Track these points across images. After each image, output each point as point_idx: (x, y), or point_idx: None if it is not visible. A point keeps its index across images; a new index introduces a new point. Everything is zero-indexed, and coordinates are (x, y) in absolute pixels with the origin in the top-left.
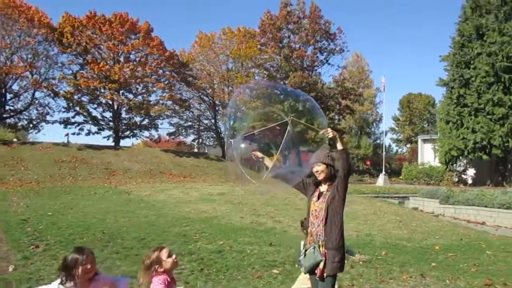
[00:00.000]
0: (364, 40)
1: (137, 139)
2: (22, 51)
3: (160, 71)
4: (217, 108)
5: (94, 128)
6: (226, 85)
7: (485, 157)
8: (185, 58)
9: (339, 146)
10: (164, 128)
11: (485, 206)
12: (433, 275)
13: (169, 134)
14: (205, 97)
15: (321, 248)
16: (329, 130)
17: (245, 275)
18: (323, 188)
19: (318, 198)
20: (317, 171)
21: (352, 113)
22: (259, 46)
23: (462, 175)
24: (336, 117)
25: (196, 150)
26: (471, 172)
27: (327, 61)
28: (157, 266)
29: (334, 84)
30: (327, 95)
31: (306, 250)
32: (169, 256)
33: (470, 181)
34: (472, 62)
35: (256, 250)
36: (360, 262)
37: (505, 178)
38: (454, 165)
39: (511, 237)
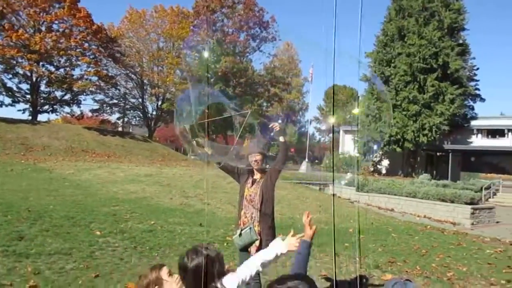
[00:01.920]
0: (297, 30)
1: (57, 114)
2: None
3: (86, 44)
4: (145, 88)
5: (7, 100)
6: (155, 64)
7: (398, 149)
8: (114, 34)
9: (282, 139)
10: (87, 104)
11: (395, 195)
12: (346, 254)
13: (93, 111)
14: (133, 75)
15: (256, 228)
16: (276, 124)
17: (177, 253)
18: (257, 176)
19: (252, 184)
20: (255, 160)
21: (280, 101)
22: (191, 27)
23: (378, 165)
24: (265, 104)
25: (120, 129)
26: (385, 163)
27: (258, 48)
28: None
29: (264, 71)
30: (257, 82)
31: (242, 230)
32: (171, 275)
33: (384, 171)
34: (393, 61)
35: (186, 230)
36: None
37: (415, 169)
38: (371, 155)
39: (414, 222)
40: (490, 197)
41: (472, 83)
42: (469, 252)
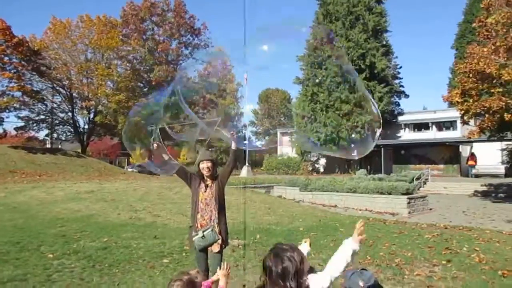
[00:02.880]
0: (228, 36)
1: None
2: None
3: (6, 58)
4: (75, 101)
5: None
6: (85, 76)
7: (334, 148)
8: (37, 46)
9: (233, 146)
10: (11, 122)
11: (337, 191)
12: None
13: (17, 129)
14: (61, 89)
15: (216, 229)
16: (233, 132)
17: (137, 266)
18: (208, 181)
19: (206, 188)
20: (207, 167)
21: (216, 107)
22: (121, 37)
23: (315, 165)
24: (201, 111)
25: (48, 145)
26: (322, 161)
27: (191, 55)
28: None
29: (199, 78)
30: (192, 89)
31: (204, 232)
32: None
33: (322, 170)
34: (324, 63)
35: (142, 244)
36: (240, 246)
37: (350, 166)
38: (308, 155)
39: (357, 216)
40: (421, 187)
41: (397, 81)
42: (411, 238)
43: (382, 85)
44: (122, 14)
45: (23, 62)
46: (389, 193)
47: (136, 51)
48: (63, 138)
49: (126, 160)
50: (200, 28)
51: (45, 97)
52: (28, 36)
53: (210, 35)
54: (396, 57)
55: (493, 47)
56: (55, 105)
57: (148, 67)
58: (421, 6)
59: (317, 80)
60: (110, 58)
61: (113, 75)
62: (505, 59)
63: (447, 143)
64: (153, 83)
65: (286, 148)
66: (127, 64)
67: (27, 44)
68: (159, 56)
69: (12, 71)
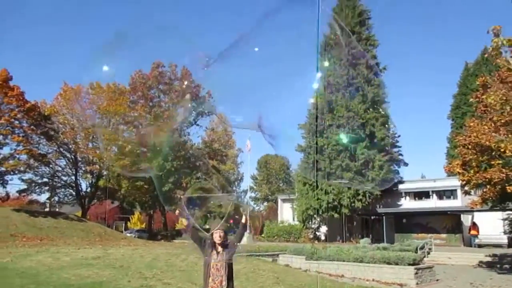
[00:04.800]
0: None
1: None
2: None
3: (16, 122)
4: (79, 164)
5: None
6: (90, 140)
7: (336, 215)
8: (47, 111)
9: (244, 220)
10: (14, 184)
11: (343, 261)
12: None
13: (20, 192)
14: (66, 152)
15: None
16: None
17: None
18: (219, 248)
19: (217, 255)
20: (219, 236)
21: (219, 173)
22: (128, 104)
23: (317, 232)
24: (203, 177)
25: (47, 209)
26: (323, 229)
27: (195, 122)
28: None
29: (203, 145)
30: (196, 155)
31: None
32: None
33: (323, 237)
34: (324, 132)
35: None
36: None
37: (352, 234)
38: (310, 222)
39: (365, 286)
40: (425, 256)
41: (396, 149)
42: None
43: (382, 153)
44: (130, 82)
45: (32, 127)
46: (396, 263)
47: (142, 117)
48: (65, 201)
49: (124, 224)
50: (205, 96)
51: (50, 160)
52: (40, 101)
53: (214, 102)
54: (395, 126)
55: (492, 125)
56: (59, 168)
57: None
58: (417, 78)
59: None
60: (117, 123)
61: (118, 140)
62: (504, 135)
63: (449, 212)
64: (158, 148)
65: (287, 215)
66: (133, 130)
67: (38, 110)
68: (164, 122)
69: (21, 135)
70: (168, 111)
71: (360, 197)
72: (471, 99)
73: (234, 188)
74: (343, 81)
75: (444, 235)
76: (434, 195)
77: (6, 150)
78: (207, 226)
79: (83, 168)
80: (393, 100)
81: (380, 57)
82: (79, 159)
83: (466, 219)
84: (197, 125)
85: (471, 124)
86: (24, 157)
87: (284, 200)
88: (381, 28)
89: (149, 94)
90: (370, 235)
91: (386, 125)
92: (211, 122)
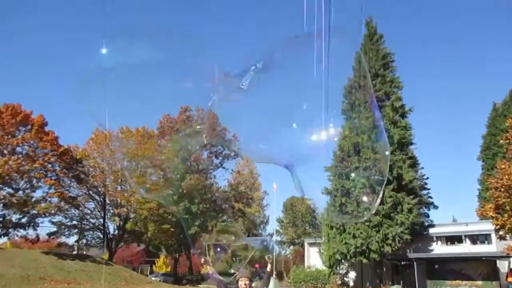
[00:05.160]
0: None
1: (9, 238)
2: None
3: (50, 165)
4: (107, 207)
5: None
6: (119, 183)
7: (364, 260)
8: (79, 155)
9: (269, 268)
10: (44, 226)
11: None
12: None
13: (50, 234)
14: (95, 195)
15: None
16: (270, 256)
17: None
18: None
19: None
20: (245, 284)
21: (244, 216)
22: (156, 147)
23: (345, 278)
24: (229, 220)
25: (76, 251)
26: (352, 275)
27: (221, 165)
28: None
29: (229, 187)
30: (222, 198)
31: None
32: None
33: (351, 284)
34: (351, 174)
35: None
36: None
37: (382, 281)
38: (338, 268)
39: None
40: None
41: (425, 192)
42: None
43: (411, 196)
44: (159, 126)
45: (64, 170)
46: None
47: (170, 160)
48: (92, 244)
49: (149, 268)
50: (231, 139)
51: (80, 203)
52: (72, 146)
53: (240, 145)
54: (422, 168)
55: None
56: (88, 211)
57: (179, 176)
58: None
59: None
60: (144, 166)
61: (146, 183)
62: None
63: (483, 258)
64: (184, 191)
65: (314, 259)
66: (160, 173)
67: (70, 153)
68: (191, 165)
69: (54, 178)
70: (195, 154)
71: (389, 241)
72: (501, 141)
73: (260, 231)
74: (369, 123)
75: (479, 283)
76: (467, 239)
77: (38, 193)
78: (232, 271)
79: (111, 211)
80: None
81: (406, 99)
82: (108, 202)
83: (502, 266)
84: (223, 167)
85: (503, 166)
86: (55, 199)
87: (311, 244)
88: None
89: (176, 137)
90: (401, 282)
91: (414, 167)
92: (237, 165)
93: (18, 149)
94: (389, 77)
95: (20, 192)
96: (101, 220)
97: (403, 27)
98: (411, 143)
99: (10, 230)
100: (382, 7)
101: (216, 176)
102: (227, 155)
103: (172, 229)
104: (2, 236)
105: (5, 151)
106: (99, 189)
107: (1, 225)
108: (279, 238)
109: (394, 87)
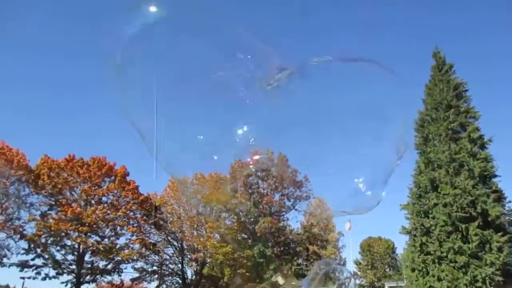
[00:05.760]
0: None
1: (97, 284)
2: None
3: (131, 213)
4: (185, 252)
5: (52, 272)
6: (195, 229)
7: None
8: (157, 202)
9: None
10: (127, 272)
11: None
12: None
13: (133, 280)
14: (173, 241)
15: None
16: None
17: None
18: None
19: None
20: None
21: (319, 259)
22: (229, 191)
23: None
24: (304, 263)
25: None
26: None
27: (294, 207)
28: None
29: (302, 229)
30: (295, 241)
31: None
32: None
33: None
34: (430, 212)
35: None
36: None
37: None
38: None
39: None
40: None
41: None
42: None
43: (499, 234)
44: (230, 171)
45: (144, 217)
46: None
47: (243, 204)
48: None
49: None
50: (302, 181)
51: (159, 249)
52: (151, 193)
53: (312, 186)
54: (510, 201)
55: None
56: (167, 257)
57: (252, 219)
58: None
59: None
60: (219, 211)
61: (220, 227)
62: None
63: None
64: (258, 234)
65: None
66: (234, 217)
67: (150, 201)
68: (263, 208)
69: (135, 225)
70: (267, 197)
71: (479, 283)
72: None
73: (337, 274)
74: (445, 157)
75: None
76: None
77: (121, 240)
78: None
79: (189, 256)
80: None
81: (485, 129)
82: (185, 247)
83: None
84: (296, 209)
85: None
86: (137, 246)
87: None
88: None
89: (248, 182)
90: None
91: (500, 202)
92: (309, 206)
93: (104, 198)
94: (463, 107)
95: (106, 239)
96: (180, 265)
97: (474, 55)
98: (495, 176)
99: (98, 276)
100: (452, 36)
101: (288, 218)
102: (299, 197)
103: (247, 274)
104: (90, 283)
105: (93, 201)
106: (177, 235)
107: (89, 271)
108: (358, 282)
109: (470, 117)
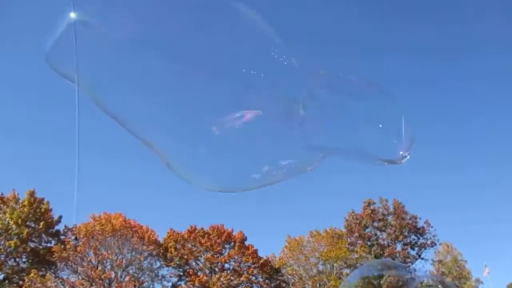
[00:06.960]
0: (455, 227)
1: None
2: (130, 268)
3: (253, 278)
4: None
5: None
6: None
7: None
8: (277, 264)
9: None
10: None
11: None
12: None
13: None
14: None
15: None
16: None
17: None
18: None
19: None
20: None
21: None
22: (347, 246)
23: None
24: None
25: None
26: None
27: (419, 255)
28: None
29: (433, 280)
30: None
31: None
32: None
33: None
34: None
35: None
36: None
37: None
38: None
39: None
40: None
41: None
42: None
43: None
44: (346, 224)
45: (267, 281)
46: None
47: (363, 258)
48: None
49: None
50: (423, 227)
51: None
52: (269, 256)
53: (436, 232)
54: None
55: None
56: None
57: (376, 274)
58: None
59: None
60: (339, 267)
61: (345, 286)
62: None
63: None
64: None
65: None
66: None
67: (269, 264)
68: (387, 261)
69: None
70: (388, 248)
71: None
72: None
73: None
74: None
75: None
76: None
77: None
78: None
79: None
80: None
81: None
82: None
83: None
84: (422, 258)
85: None
86: None
87: None
88: None
89: (365, 233)
90: None
91: None
92: (436, 253)
93: (226, 265)
94: None
95: None
96: None
97: None
98: None
99: None
100: None
101: (416, 269)
102: (423, 244)
103: None
104: None
105: (216, 269)
106: None
107: None
108: None
109: None
